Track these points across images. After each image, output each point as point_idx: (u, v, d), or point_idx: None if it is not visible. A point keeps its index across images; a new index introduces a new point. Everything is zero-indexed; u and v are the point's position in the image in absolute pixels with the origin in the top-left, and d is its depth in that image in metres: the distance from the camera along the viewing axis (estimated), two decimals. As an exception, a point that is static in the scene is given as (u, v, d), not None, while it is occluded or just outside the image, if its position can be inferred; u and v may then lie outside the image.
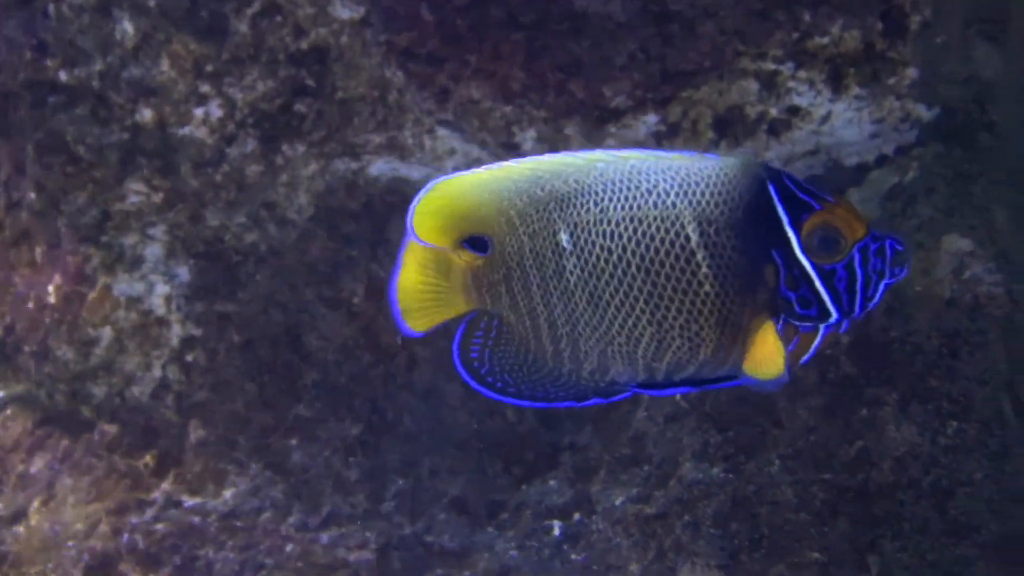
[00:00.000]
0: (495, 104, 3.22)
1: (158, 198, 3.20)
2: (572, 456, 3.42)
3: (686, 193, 1.88)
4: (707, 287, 1.89)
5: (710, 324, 1.91)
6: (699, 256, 1.89)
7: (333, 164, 3.32)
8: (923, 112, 3.31)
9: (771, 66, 3.17)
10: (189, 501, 3.25)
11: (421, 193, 1.96)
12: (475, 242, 2.00)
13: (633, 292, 1.91)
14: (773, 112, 3.25)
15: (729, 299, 1.90)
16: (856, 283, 1.90)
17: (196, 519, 3.23)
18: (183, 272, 3.26)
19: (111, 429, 3.27)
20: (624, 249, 1.89)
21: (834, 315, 1.91)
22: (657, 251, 1.88)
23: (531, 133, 3.25)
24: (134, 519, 3.22)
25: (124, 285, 3.24)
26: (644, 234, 1.89)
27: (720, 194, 1.88)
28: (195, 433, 3.26)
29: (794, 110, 3.26)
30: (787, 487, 3.16)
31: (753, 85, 3.22)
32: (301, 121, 3.25)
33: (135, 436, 3.27)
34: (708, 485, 3.18)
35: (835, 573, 3.06)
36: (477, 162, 3.34)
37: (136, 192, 3.20)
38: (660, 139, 3.28)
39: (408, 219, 1.97)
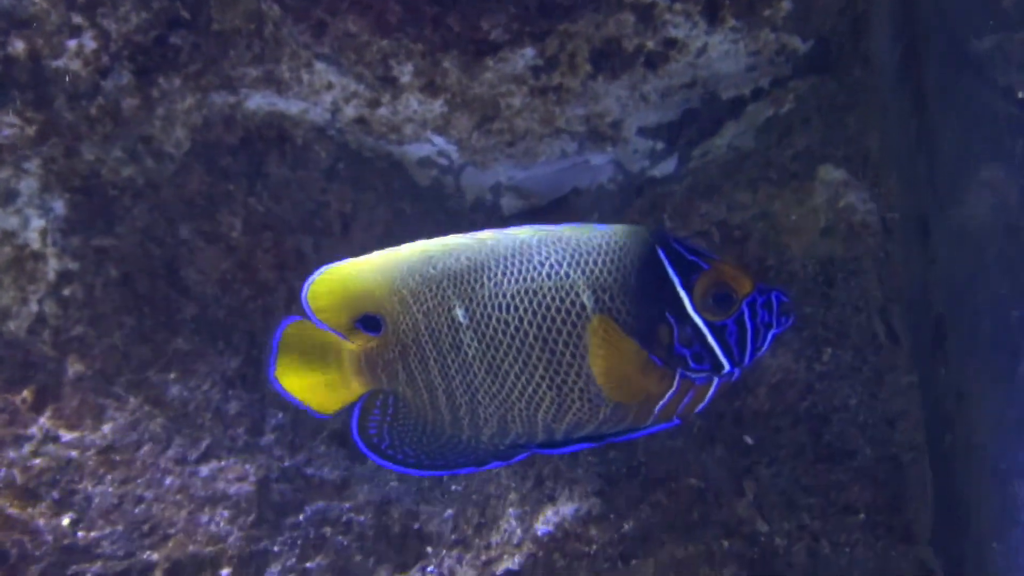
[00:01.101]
0: (372, 38, 3.21)
1: (31, 131, 3.16)
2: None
3: (579, 263, 1.94)
4: None
5: None
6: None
7: (210, 98, 3.30)
8: (799, 44, 3.33)
9: (646, -3, 3.18)
10: (67, 435, 3.21)
11: (313, 276, 1.98)
12: (367, 322, 2.01)
13: (532, 360, 1.94)
14: (650, 45, 3.26)
15: None
16: (746, 335, 1.99)
17: (74, 453, 3.20)
18: (59, 206, 3.22)
19: (-13, 365, 3.24)
20: (521, 320, 1.92)
21: (727, 367, 1.99)
22: (554, 320, 1.92)
23: (408, 67, 3.24)
24: (11, 454, 3.18)
25: (-2, 219, 3.21)
26: (540, 304, 1.92)
27: (612, 262, 1.94)
28: (73, 368, 3.23)
29: (671, 43, 3.27)
30: (664, 414, 3.16)
31: (630, 17, 3.23)
32: (177, 54, 3.23)
33: (12, 371, 3.23)
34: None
35: (712, 499, 3.07)
36: (354, 96, 3.33)
37: (9, 125, 3.16)
38: (538, 73, 3.27)
39: (303, 299, 1.99)
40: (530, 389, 1.97)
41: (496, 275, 1.96)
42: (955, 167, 2.88)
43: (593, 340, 1.94)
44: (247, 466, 3.24)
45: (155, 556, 3.17)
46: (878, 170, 3.29)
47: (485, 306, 1.96)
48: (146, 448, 3.24)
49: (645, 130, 3.42)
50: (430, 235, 3.31)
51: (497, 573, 3.08)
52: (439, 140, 3.40)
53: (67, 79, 3.15)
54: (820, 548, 3.04)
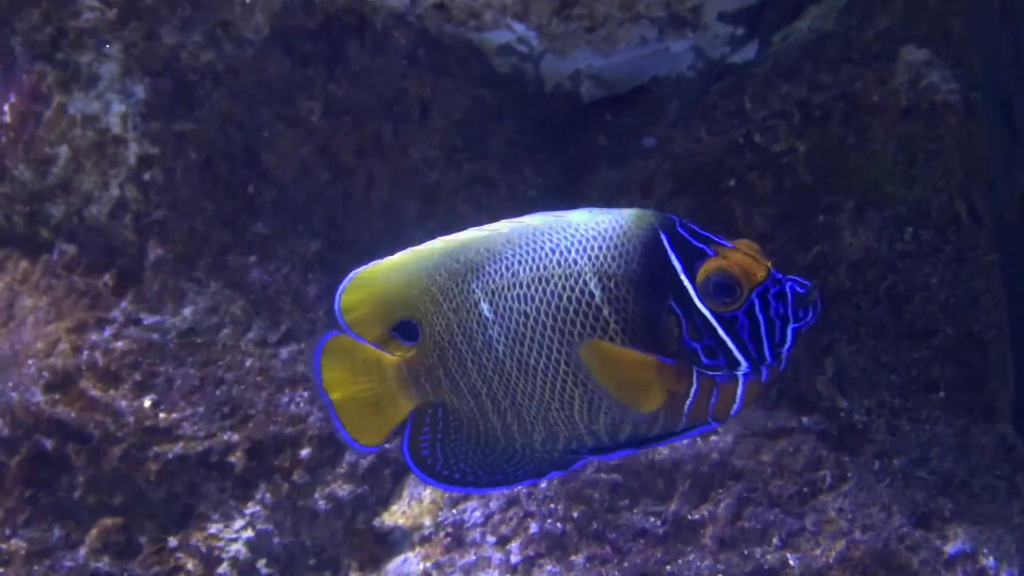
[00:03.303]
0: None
1: (112, 14, 3.18)
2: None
3: (585, 250, 1.85)
4: (619, 342, 1.85)
5: None
6: (605, 312, 1.85)
7: (289, -18, 3.31)
8: (882, -76, 3.30)
9: None
10: (148, 318, 3.25)
11: (343, 284, 1.90)
12: (403, 330, 1.93)
13: (554, 354, 1.85)
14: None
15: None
16: (759, 329, 1.84)
17: (155, 336, 3.23)
18: (139, 90, 3.24)
19: (70, 249, 3.26)
20: (538, 311, 1.86)
21: (743, 363, 1.85)
22: (567, 310, 1.83)
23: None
24: (94, 337, 3.22)
25: (80, 103, 3.22)
26: (552, 293, 1.85)
27: (615, 248, 1.84)
28: (154, 252, 3.26)
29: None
30: (744, 293, 3.16)
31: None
32: (256, -63, 3.24)
33: (94, 256, 3.26)
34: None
35: (790, 375, 3.06)
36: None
37: (90, 8, 3.18)
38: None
39: (337, 313, 1.92)
40: (559, 386, 1.89)
41: (513, 264, 1.88)
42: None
43: (590, 367, 1.87)
44: (327, 348, 3.26)
45: (235, 437, 3.20)
46: (960, 50, 3.27)
47: (505, 298, 1.88)
48: (226, 331, 3.27)
49: (725, 15, 3.39)
50: (510, 123, 3.33)
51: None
52: (519, 26, 3.39)
53: (147, -38, 3.18)
54: (900, 425, 3.03)
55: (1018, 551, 2.80)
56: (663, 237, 1.86)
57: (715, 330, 1.85)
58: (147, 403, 3.20)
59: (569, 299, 1.86)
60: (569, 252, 1.87)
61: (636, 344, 1.86)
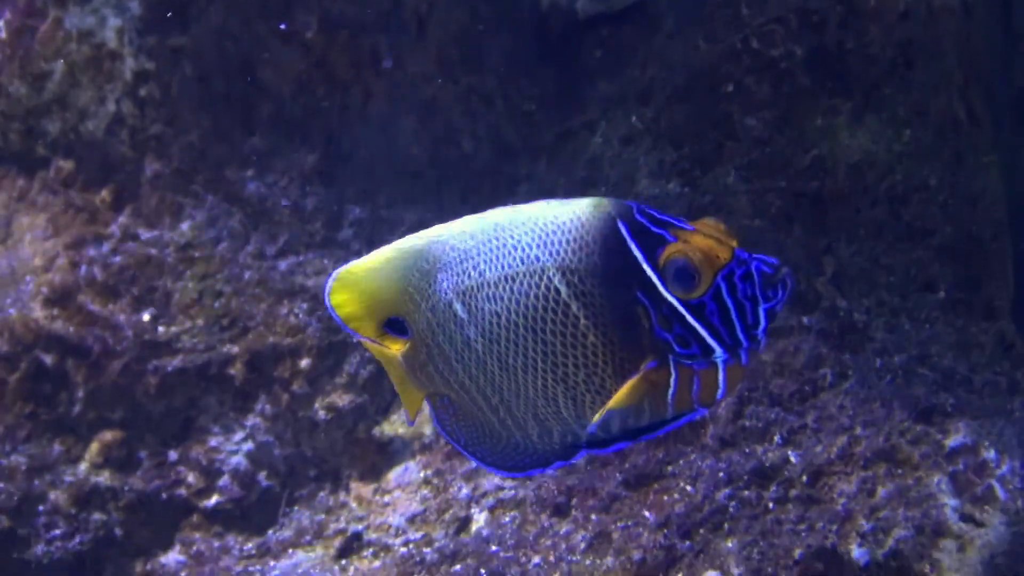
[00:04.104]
0: None
1: (108, -72, 3.18)
2: (529, 186, 3.42)
3: (545, 244, 1.80)
4: (591, 338, 1.80)
5: (608, 374, 1.82)
6: (574, 308, 1.80)
7: None
8: None
9: None
10: (146, 233, 3.24)
11: (328, 285, 1.87)
12: (398, 326, 1.91)
13: (531, 353, 1.81)
14: None
15: (616, 347, 1.80)
16: (730, 313, 1.77)
17: (154, 251, 3.23)
18: (134, 5, 3.23)
19: (66, 165, 3.26)
20: (508, 311, 1.81)
21: (718, 350, 1.78)
22: (535, 308, 1.78)
23: None
24: (92, 252, 3.21)
25: (75, 18, 3.22)
26: (520, 292, 1.80)
27: (575, 240, 1.79)
28: (151, 167, 3.25)
29: None
30: (742, 196, 3.17)
31: None
32: None
33: (91, 171, 3.25)
34: (665, 198, 3.18)
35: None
36: None
37: (85, -78, 3.18)
38: None
39: (329, 309, 1.89)
40: (540, 383, 1.84)
41: (479, 263, 1.81)
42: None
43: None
44: (325, 260, 3.26)
45: (235, 349, 3.20)
46: (957, -47, 3.26)
47: (475, 297, 1.82)
48: (224, 244, 3.26)
49: (721, -76, 3.39)
50: (507, 38, 3.32)
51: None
52: (516, -62, 3.39)
53: None
54: (900, 323, 3.03)
55: (1019, 444, 2.80)
56: (621, 226, 1.78)
57: (684, 318, 1.77)
58: (146, 317, 3.20)
59: (536, 297, 1.80)
60: (531, 248, 1.81)
61: (609, 338, 1.80)
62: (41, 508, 3.05)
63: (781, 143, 3.16)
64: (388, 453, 3.18)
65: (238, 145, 3.29)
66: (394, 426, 3.19)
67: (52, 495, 3.09)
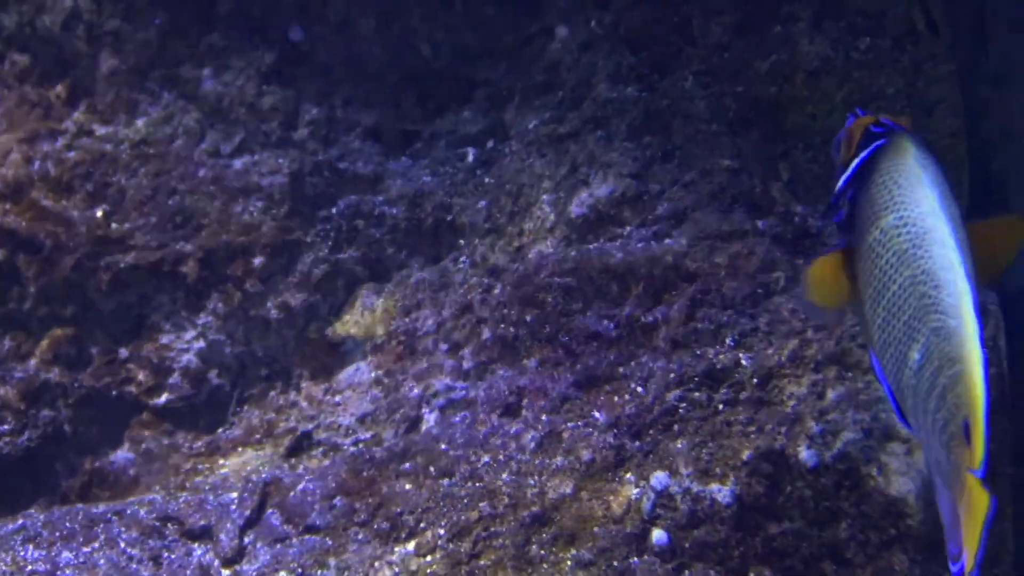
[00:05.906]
0: None
1: None
2: (487, 90, 3.40)
3: None
4: None
5: None
6: None
7: None
8: None
9: None
10: (101, 129, 3.22)
11: None
12: None
13: None
14: None
15: None
16: None
17: (108, 147, 3.20)
18: None
19: (21, 60, 3.23)
20: None
21: None
22: None
23: None
24: (46, 147, 3.19)
25: (33, -90, 3.19)
26: None
27: None
28: (106, 63, 3.23)
29: None
30: (700, 100, 3.16)
31: None
32: None
33: (46, 66, 3.23)
34: (622, 103, 3.17)
35: (746, 180, 3.05)
36: None
37: None
38: None
39: None
40: None
41: None
42: None
43: None
44: (280, 159, 3.24)
45: (188, 246, 3.18)
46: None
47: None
48: (180, 142, 3.24)
49: None
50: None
51: (529, 255, 3.07)
52: None
53: None
54: (856, 229, 3.02)
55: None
56: None
57: None
58: (99, 213, 3.18)
59: None
60: None
61: None
62: (-10, 403, 3.04)
63: (740, 48, 3.15)
64: (339, 353, 3.17)
65: (195, 42, 3.26)
66: (346, 326, 3.18)
67: (1, 390, 3.07)
